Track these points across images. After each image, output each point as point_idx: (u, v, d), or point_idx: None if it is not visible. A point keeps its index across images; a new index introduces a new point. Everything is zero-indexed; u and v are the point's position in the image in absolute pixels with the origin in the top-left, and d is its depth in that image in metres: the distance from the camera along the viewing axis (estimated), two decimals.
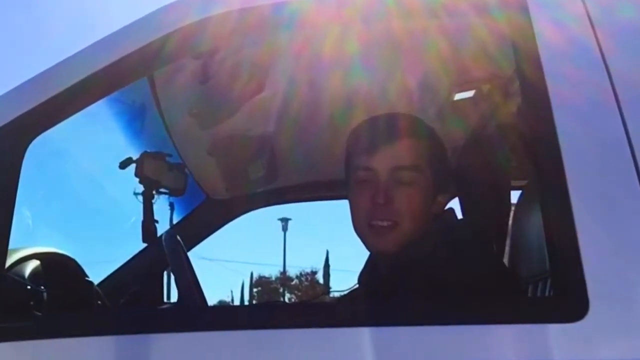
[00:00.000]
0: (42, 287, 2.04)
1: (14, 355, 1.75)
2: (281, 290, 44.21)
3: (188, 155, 3.20)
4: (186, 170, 3.10)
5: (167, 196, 3.08)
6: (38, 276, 2.14)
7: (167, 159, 2.92)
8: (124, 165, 2.79)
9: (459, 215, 2.39)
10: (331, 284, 40.90)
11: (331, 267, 44.03)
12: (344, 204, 2.26)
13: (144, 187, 2.84)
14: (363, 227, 2.18)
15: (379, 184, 2.14)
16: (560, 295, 1.72)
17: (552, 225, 1.70)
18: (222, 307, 6.67)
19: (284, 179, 3.50)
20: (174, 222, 3.67)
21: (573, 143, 1.69)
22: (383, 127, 2.22)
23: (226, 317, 1.88)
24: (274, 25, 2.01)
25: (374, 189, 2.14)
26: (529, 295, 2.39)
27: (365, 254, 2.30)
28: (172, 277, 2.21)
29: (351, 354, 1.66)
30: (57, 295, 2.10)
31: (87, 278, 2.53)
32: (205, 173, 3.43)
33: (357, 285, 2.34)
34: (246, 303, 37.87)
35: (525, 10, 1.82)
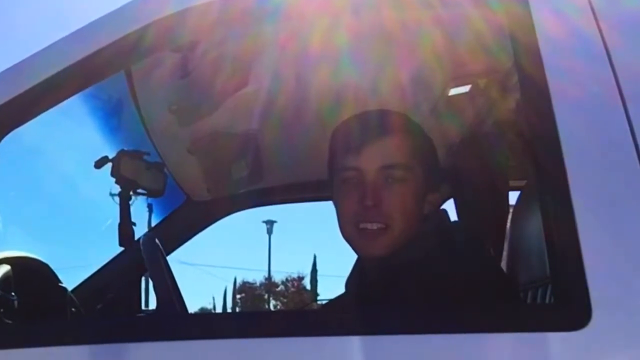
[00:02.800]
0: (13, 294, 2.03)
1: None
2: (266, 296, 44.25)
3: (167, 154, 3.19)
4: (165, 169, 3.09)
5: (145, 197, 3.07)
6: (9, 282, 2.13)
7: (145, 157, 2.90)
8: (99, 164, 2.78)
9: (454, 217, 2.39)
10: (319, 290, 40.92)
11: (319, 273, 44.08)
12: (333, 206, 2.25)
13: (121, 187, 2.83)
14: (351, 231, 2.16)
15: (366, 184, 2.12)
16: (561, 303, 1.72)
17: (553, 228, 1.69)
18: (204, 314, 6.66)
19: (269, 179, 3.49)
20: (153, 224, 3.66)
21: (575, 141, 1.69)
22: (369, 125, 2.20)
23: (208, 325, 1.87)
24: (259, 17, 2.01)
25: (362, 190, 2.12)
26: (528, 302, 2.39)
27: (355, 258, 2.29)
28: (151, 282, 2.21)
29: None
30: (29, 302, 2.10)
31: (60, 284, 2.52)
32: (186, 173, 3.43)
33: (345, 292, 2.34)
34: (229, 310, 37.88)
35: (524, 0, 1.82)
